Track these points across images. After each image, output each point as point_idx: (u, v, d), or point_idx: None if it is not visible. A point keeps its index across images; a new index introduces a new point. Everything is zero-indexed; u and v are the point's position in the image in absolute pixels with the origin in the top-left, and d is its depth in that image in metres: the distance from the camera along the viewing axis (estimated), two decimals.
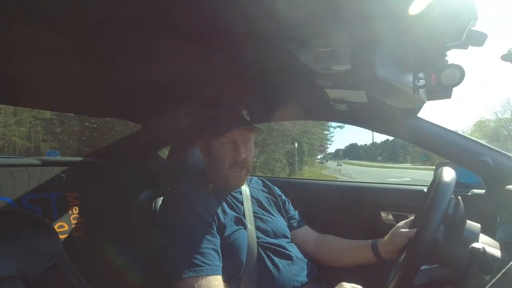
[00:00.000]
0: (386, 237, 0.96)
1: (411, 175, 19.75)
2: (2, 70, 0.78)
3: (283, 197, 1.17)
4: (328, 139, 35.76)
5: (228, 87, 1.08)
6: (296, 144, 18.72)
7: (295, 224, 1.12)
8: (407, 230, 0.90)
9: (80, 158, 1.32)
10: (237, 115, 0.96)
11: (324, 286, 0.99)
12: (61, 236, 1.02)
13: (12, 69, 0.78)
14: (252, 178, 1.16)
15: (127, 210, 1.12)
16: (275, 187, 1.17)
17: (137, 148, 1.45)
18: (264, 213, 1.03)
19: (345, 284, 0.75)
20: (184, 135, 1.34)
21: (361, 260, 1.02)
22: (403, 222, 0.95)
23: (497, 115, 28.70)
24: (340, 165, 56.72)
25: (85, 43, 0.69)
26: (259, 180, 1.18)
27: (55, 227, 1.07)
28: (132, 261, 1.14)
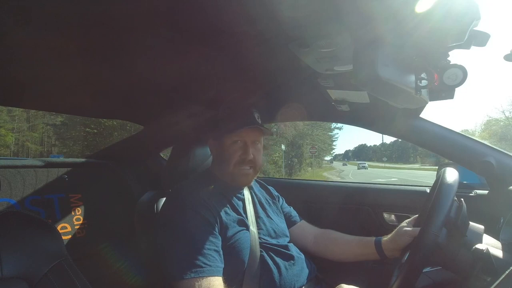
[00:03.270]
0: (390, 235, 0.96)
1: (402, 175, 19.69)
2: (4, 71, 0.78)
3: (279, 196, 1.19)
4: (332, 141, 35.61)
5: (230, 88, 1.08)
6: (283, 147, 18.80)
7: (293, 220, 1.14)
8: (411, 229, 0.90)
9: (82, 160, 1.32)
10: (250, 116, 0.99)
11: (325, 287, 0.99)
12: (64, 237, 1.03)
13: (15, 70, 0.79)
14: None
15: (130, 211, 1.13)
16: (270, 187, 1.19)
17: (139, 149, 1.46)
18: (265, 213, 1.04)
19: (344, 286, 0.75)
20: (187, 135, 1.34)
21: (363, 256, 1.02)
22: (407, 220, 0.95)
23: (504, 114, 28.42)
24: (364, 167, 45.40)
25: (88, 44, 0.69)
26: (256, 182, 1.18)
27: (58, 228, 1.07)
28: (134, 262, 1.14)
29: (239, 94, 1.09)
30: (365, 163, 53.26)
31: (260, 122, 1.00)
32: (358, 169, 44.23)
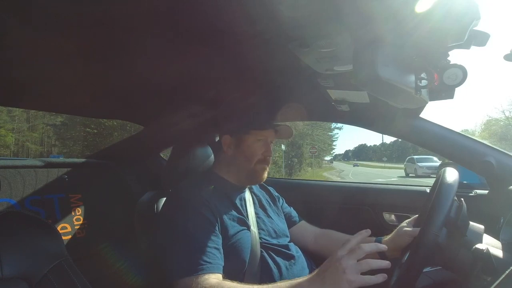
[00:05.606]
0: (390, 235, 0.95)
1: (402, 175, 19.55)
2: (5, 71, 0.78)
3: (279, 196, 1.19)
4: (332, 141, 35.51)
5: (230, 88, 1.08)
6: (283, 147, 18.77)
7: (294, 220, 1.15)
8: (411, 229, 0.90)
9: (82, 160, 1.32)
10: (271, 115, 1.00)
11: None
12: (64, 238, 1.03)
13: (15, 70, 0.79)
14: None
15: (130, 211, 1.13)
16: (270, 187, 1.18)
17: (139, 149, 1.46)
18: (265, 214, 1.04)
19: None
20: (187, 135, 1.34)
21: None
22: (407, 220, 0.95)
23: (504, 114, 28.28)
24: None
25: (88, 44, 0.69)
26: None
27: (58, 228, 1.07)
28: (134, 262, 1.14)
29: (228, 95, 1.09)
30: (433, 159, 17.50)
31: None
32: (408, 175, 18.03)
